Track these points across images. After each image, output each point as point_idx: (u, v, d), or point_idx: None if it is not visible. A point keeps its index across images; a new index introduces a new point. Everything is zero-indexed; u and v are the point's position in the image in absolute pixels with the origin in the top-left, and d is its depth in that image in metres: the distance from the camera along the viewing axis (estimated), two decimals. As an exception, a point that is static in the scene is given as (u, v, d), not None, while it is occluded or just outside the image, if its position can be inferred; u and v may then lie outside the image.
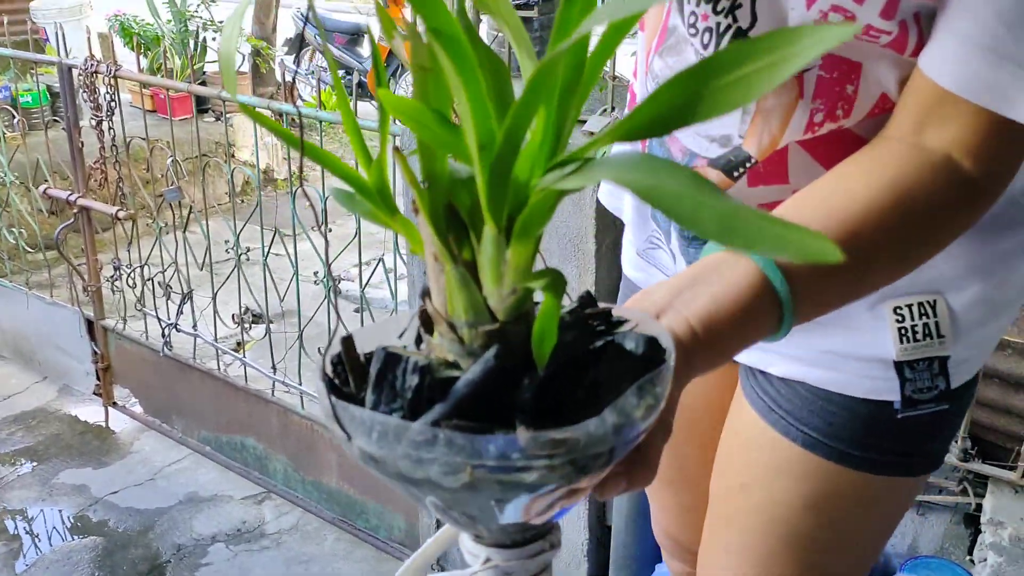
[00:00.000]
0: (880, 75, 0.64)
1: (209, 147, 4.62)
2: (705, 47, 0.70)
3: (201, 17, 5.09)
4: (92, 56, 2.56)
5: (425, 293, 0.43)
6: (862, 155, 0.61)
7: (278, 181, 5.28)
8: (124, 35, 4.96)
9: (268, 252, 2.36)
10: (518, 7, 1.52)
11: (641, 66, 0.82)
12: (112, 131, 2.62)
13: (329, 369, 0.44)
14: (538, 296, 0.40)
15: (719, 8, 0.67)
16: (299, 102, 5.83)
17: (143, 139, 2.67)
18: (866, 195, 0.57)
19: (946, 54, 0.58)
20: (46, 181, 2.93)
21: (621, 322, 0.46)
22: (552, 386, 0.40)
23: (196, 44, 4.97)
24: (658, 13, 0.76)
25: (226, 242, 2.52)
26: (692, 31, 0.71)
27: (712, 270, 0.54)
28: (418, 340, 0.45)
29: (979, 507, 1.69)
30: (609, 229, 1.54)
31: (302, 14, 7.34)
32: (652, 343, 0.44)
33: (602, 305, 0.47)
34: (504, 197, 0.38)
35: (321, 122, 2.13)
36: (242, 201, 4.92)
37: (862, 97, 0.66)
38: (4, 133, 3.09)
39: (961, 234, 0.62)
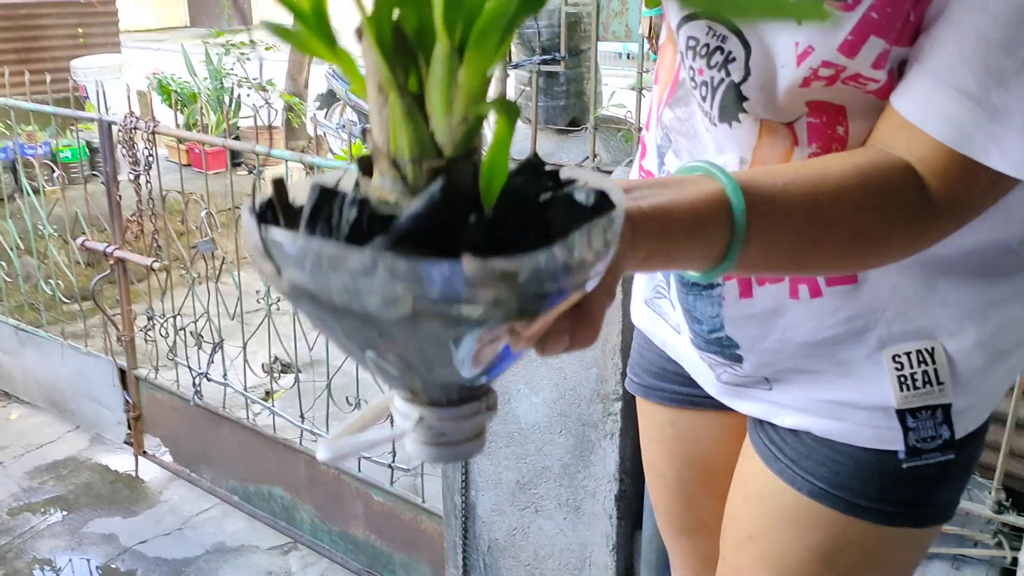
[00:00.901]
0: (866, 116, 0.66)
1: (241, 199, 4.72)
2: (704, 99, 0.72)
3: (236, 74, 5.24)
4: (131, 113, 2.64)
5: (364, 132, 0.42)
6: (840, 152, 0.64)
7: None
8: (162, 92, 5.11)
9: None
10: (544, 62, 1.55)
11: (653, 118, 0.84)
12: (149, 185, 2.69)
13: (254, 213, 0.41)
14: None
15: (712, 63, 0.70)
16: (329, 155, 5.95)
17: (179, 192, 2.74)
18: (837, 170, 0.59)
19: (912, 87, 0.60)
20: (84, 233, 3.00)
21: (571, 181, 0.45)
22: (500, 228, 0.38)
23: (231, 100, 5.10)
24: (671, 66, 0.78)
25: (257, 292, 2.56)
26: (692, 84, 0.73)
27: (677, 180, 0.55)
28: (356, 187, 0.42)
29: (1015, 560, 1.65)
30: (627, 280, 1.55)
31: (334, 71, 7.53)
32: (602, 196, 0.42)
33: (551, 164, 0.45)
34: (460, 5, 0.35)
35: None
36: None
37: (853, 136, 0.67)
38: (44, 187, 3.19)
39: (913, 248, 0.62)
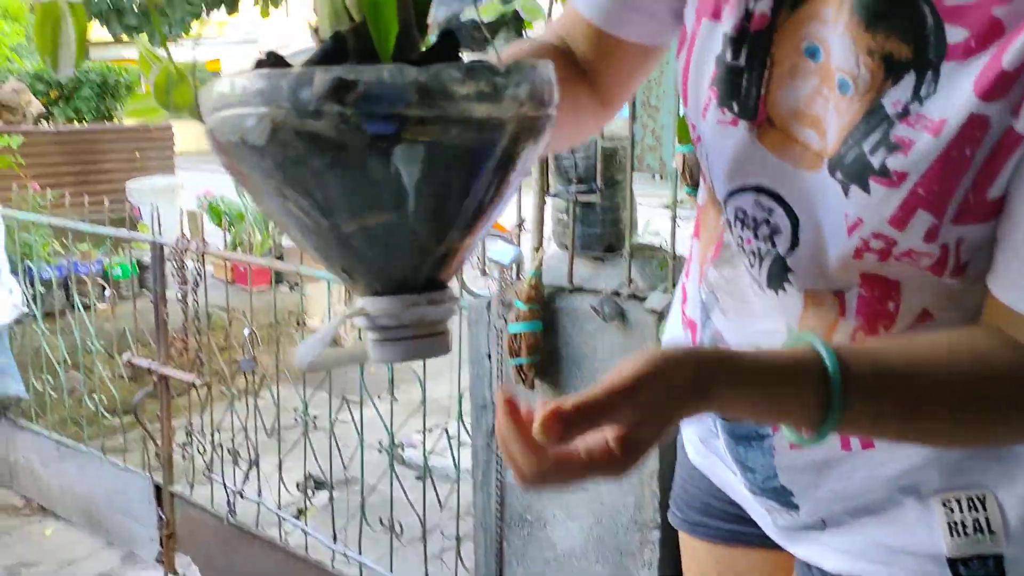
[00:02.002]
0: (920, 293, 0.66)
1: (283, 315, 4.82)
2: (752, 266, 0.74)
3: (282, 195, 5.45)
4: (183, 235, 2.76)
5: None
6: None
7: (345, 347, 5.43)
8: (211, 213, 5.32)
9: (335, 419, 2.41)
10: (581, 191, 1.61)
11: (695, 270, 0.85)
12: (196, 303, 2.77)
13: None
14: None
15: (759, 234, 0.71)
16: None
17: (223, 310, 2.81)
18: (946, 343, 0.60)
19: (1015, 278, 0.60)
20: (130, 349, 3.07)
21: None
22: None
23: (276, 220, 5.29)
24: (714, 226, 0.80)
25: (295, 410, 2.58)
26: (741, 251, 0.75)
27: (772, 350, 0.57)
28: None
29: None
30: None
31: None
32: (526, 65, 0.43)
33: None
34: None
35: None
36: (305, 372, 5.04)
37: (903, 313, 0.68)
38: (95, 304, 3.29)
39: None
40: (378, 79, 0.37)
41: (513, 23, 1.67)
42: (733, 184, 0.72)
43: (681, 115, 1.34)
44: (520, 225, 1.79)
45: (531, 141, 0.44)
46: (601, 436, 0.52)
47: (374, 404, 2.32)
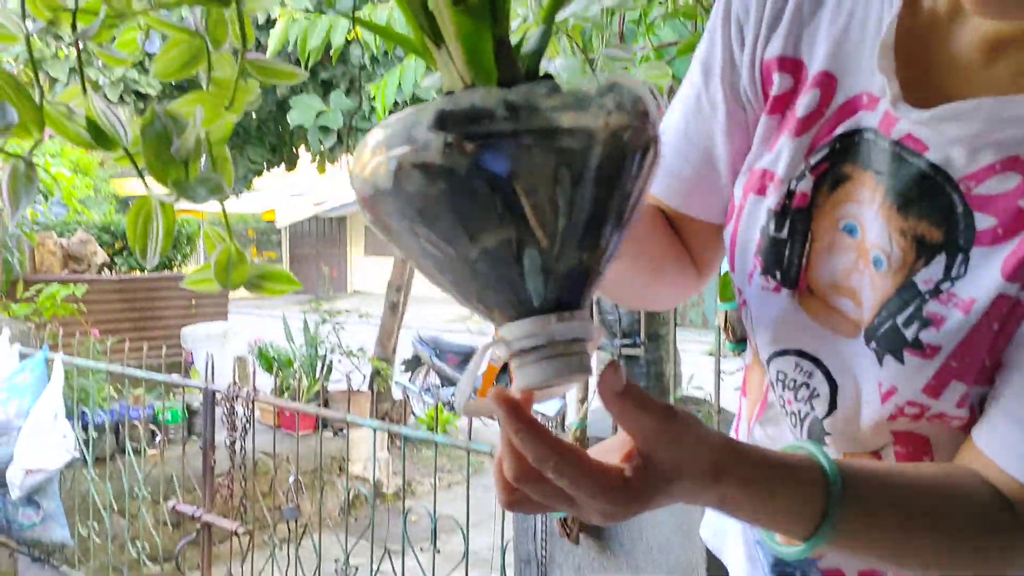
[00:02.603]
0: (951, 448, 0.68)
1: (326, 461, 4.82)
2: (794, 427, 0.76)
3: (330, 342, 5.57)
4: (235, 383, 2.83)
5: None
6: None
7: (387, 495, 5.37)
8: (261, 359, 5.44)
9: (376, 569, 2.37)
10: (625, 345, 1.65)
11: (743, 429, 0.87)
12: (243, 450, 2.81)
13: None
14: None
15: (799, 396, 0.74)
16: (411, 419, 6.09)
17: (268, 455, 2.84)
18: (931, 475, 0.62)
19: (997, 431, 0.62)
20: (175, 495, 3.09)
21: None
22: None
23: (323, 366, 5.38)
24: (759, 385, 0.83)
25: (336, 560, 2.55)
26: (783, 411, 0.77)
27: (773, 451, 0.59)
28: None
29: None
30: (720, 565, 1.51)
31: (420, 338, 7.91)
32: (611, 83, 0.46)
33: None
34: None
35: (436, 445, 2.24)
36: (355, 519, 4.99)
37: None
38: (145, 449, 3.35)
39: (1003, 569, 0.62)
40: (471, 103, 0.43)
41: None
42: (775, 347, 0.75)
43: (723, 274, 1.39)
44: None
45: (630, 153, 0.47)
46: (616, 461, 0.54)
47: (416, 555, 2.29)
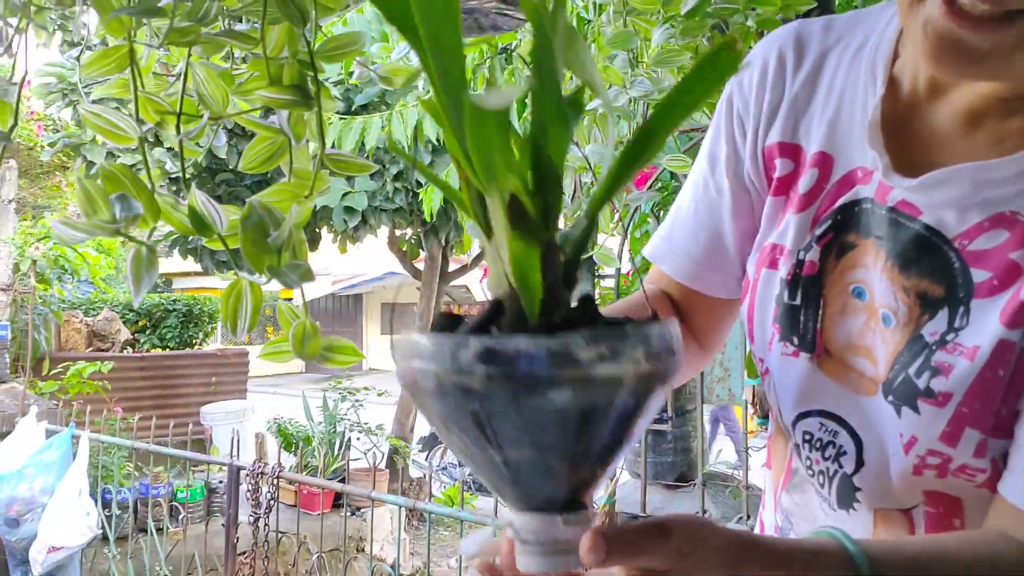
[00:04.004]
0: (981, 509, 0.71)
1: (343, 540, 4.78)
2: (821, 487, 0.79)
3: (349, 419, 5.58)
4: (260, 459, 2.86)
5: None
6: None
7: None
8: (280, 435, 5.46)
9: (400, 653, 2.35)
10: (653, 420, 1.68)
11: (770, 501, 0.91)
12: (267, 526, 2.81)
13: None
14: None
15: (826, 455, 0.78)
16: (429, 498, 6.04)
17: (285, 534, 2.84)
18: (955, 542, 0.63)
19: (1014, 474, 0.65)
20: (196, 574, 3.08)
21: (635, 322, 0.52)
22: (537, 329, 0.47)
23: (341, 443, 5.39)
24: (783, 455, 0.86)
25: (359, 641, 2.53)
26: (810, 472, 0.81)
27: (799, 539, 0.60)
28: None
29: None
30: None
31: (437, 414, 7.89)
32: (645, 326, 0.49)
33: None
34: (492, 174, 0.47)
35: (462, 522, 2.25)
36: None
37: (969, 528, 0.72)
38: (168, 527, 3.35)
39: None
40: (516, 348, 0.47)
41: (587, 265, 1.82)
42: (799, 409, 0.79)
43: (748, 352, 1.43)
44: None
45: (652, 391, 0.51)
46: None
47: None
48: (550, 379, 0.47)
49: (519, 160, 0.48)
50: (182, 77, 0.63)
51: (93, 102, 0.65)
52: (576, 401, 0.48)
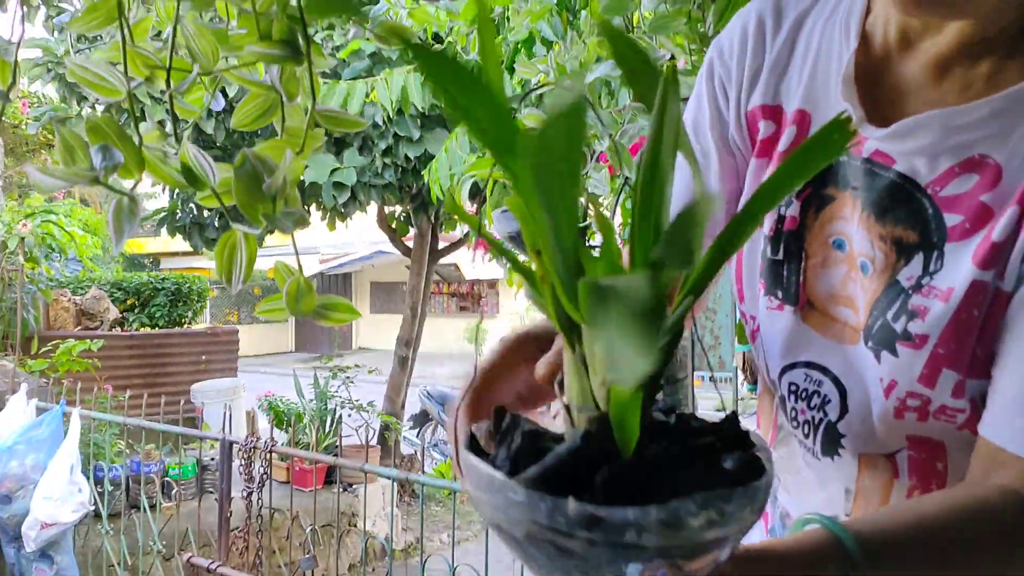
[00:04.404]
0: (964, 452, 0.72)
1: (334, 517, 4.81)
2: (806, 437, 0.81)
3: (340, 396, 5.59)
4: (252, 433, 2.86)
5: (560, 382, 0.48)
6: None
7: (396, 552, 5.33)
8: (272, 412, 5.46)
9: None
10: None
11: None
12: (261, 501, 2.83)
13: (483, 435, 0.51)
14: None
15: (812, 405, 0.80)
16: (421, 474, 6.07)
17: (278, 510, 2.85)
18: (937, 505, 0.63)
19: (995, 414, 0.67)
20: (190, 549, 3.10)
21: (748, 445, 0.48)
22: (634, 475, 0.43)
23: (332, 420, 5.40)
24: (769, 412, 0.88)
25: (353, 612, 2.55)
26: (794, 424, 0.82)
27: (789, 537, 0.60)
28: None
29: None
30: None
31: (428, 393, 7.92)
32: (750, 467, 0.45)
33: (749, 428, 0.49)
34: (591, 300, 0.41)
35: (455, 493, 2.27)
36: (372, 569, 4.95)
37: (952, 473, 0.74)
38: (161, 503, 3.36)
39: None
40: (625, 519, 0.42)
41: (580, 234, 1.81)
42: (785, 361, 0.82)
43: (738, 322, 1.44)
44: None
45: (745, 534, 0.48)
46: None
47: (434, 606, 2.29)
48: (658, 547, 0.43)
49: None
50: (171, 31, 0.62)
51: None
52: (683, 555, 0.45)
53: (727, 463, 0.46)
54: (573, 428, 0.47)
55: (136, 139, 0.57)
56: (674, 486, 0.44)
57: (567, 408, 0.47)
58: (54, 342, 4.79)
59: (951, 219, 0.70)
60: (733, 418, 0.51)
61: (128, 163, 0.54)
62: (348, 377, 5.77)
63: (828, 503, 0.81)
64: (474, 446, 0.51)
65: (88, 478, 3.46)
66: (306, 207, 6.87)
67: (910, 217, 0.72)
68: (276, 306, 0.67)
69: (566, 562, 0.44)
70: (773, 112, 0.82)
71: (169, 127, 0.66)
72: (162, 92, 0.60)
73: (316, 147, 0.70)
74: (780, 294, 0.80)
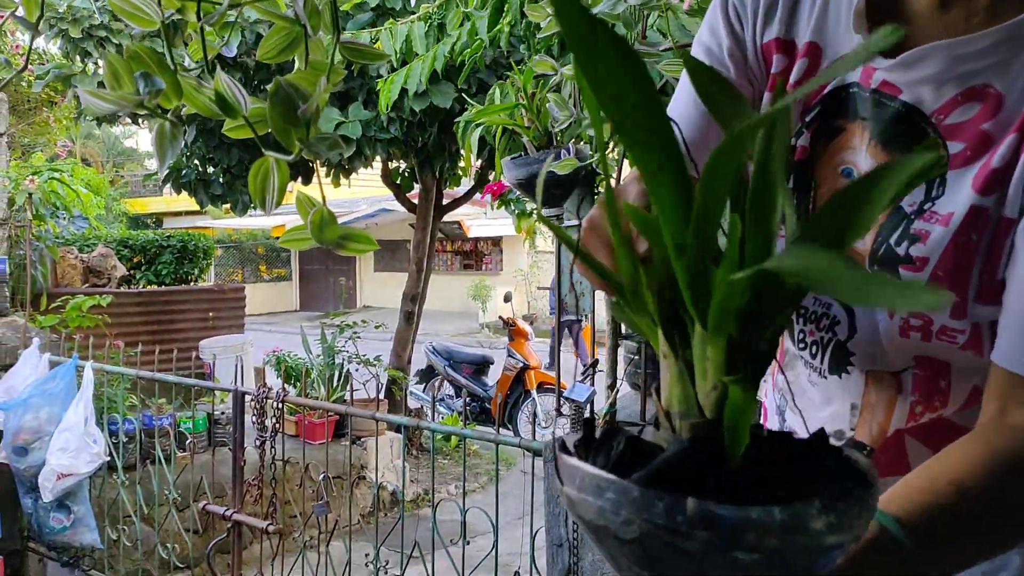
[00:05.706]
0: (968, 372, 0.75)
1: (344, 469, 4.89)
2: (813, 356, 0.85)
3: (348, 351, 5.64)
4: (264, 384, 2.90)
5: (657, 389, 0.49)
6: (960, 439, 0.68)
7: (406, 503, 5.43)
8: (278, 367, 5.52)
9: (405, 570, 2.43)
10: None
11: (769, 381, 0.97)
12: (274, 450, 2.88)
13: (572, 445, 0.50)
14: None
15: (821, 326, 0.83)
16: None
17: (291, 461, 2.90)
18: (963, 461, 0.64)
19: (1011, 343, 0.68)
20: (205, 498, 3.16)
21: (846, 460, 0.48)
22: (747, 480, 0.43)
23: (340, 375, 5.45)
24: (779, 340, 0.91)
25: (367, 555, 2.61)
26: (801, 346, 0.86)
27: None
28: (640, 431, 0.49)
29: None
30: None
31: (433, 348, 7.98)
32: (859, 477, 0.45)
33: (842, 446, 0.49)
34: (705, 297, 0.41)
35: (464, 439, 2.31)
36: (384, 515, 5.05)
37: (955, 391, 0.77)
38: (176, 453, 3.42)
39: None
40: (747, 519, 0.41)
41: (586, 179, 1.84)
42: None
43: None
44: (594, 365, 1.88)
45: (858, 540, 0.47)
46: None
47: (448, 552, 2.35)
48: (776, 550, 0.42)
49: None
50: (199, -36, 0.63)
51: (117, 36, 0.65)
52: (791, 566, 0.44)
53: (833, 470, 0.46)
54: (674, 435, 0.46)
55: (172, 67, 0.59)
56: (787, 492, 0.43)
57: (666, 414, 0.47)
58: (63, 298, 4.82)
59: (954, 147, 0.72)
60: (821, 432, 0.50)
61: (167, 90, 0.56)
62: (355, 332, 5.81)
63: (833, 418, 0.84)
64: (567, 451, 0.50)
65: (103, 431, 3.51)
66: (311, 164, 6.85)
67: (915, 145, 0.74)
68: (300, 235, 0.69)
69: (678, 563, 0.42)
70: (786, 47, 0.84)
71: (189, 63, 0.68)
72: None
73: (337, 82, 0.71)
74: None
